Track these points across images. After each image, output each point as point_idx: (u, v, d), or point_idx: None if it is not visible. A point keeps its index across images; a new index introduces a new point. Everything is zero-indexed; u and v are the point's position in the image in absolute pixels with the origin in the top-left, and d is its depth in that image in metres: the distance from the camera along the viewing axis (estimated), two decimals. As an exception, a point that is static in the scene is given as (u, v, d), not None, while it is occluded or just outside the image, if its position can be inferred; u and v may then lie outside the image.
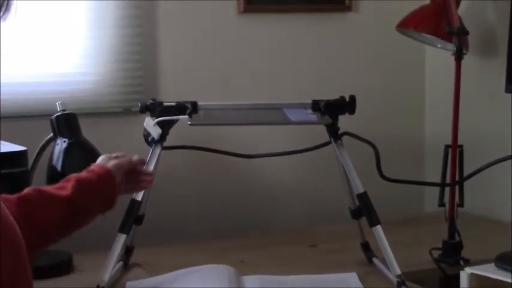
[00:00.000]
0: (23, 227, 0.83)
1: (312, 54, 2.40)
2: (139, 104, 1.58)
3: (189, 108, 1.56)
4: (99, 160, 1.29)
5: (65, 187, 1.16)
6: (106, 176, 1.23)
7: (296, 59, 2.38)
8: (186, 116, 1.52)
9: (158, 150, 1.54)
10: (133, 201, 1.51)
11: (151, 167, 1.54)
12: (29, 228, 1.01)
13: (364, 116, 1.81)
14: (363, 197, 1.54)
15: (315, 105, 1.60)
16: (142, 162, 1.39)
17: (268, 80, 2.34)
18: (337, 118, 1.59)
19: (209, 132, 2.11)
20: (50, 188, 1.17)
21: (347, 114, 1.60)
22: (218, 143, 1.85)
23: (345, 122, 1.66)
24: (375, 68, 2.49)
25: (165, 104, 1.56)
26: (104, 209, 1.24)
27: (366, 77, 2.45)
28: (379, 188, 1.76)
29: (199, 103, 1.58)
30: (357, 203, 1.61)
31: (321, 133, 1.68)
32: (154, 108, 1.56)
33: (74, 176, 1.19)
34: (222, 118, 1.66)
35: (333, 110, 1.59)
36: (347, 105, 1.59)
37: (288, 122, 1.60)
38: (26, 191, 1.14)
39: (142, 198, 1.52)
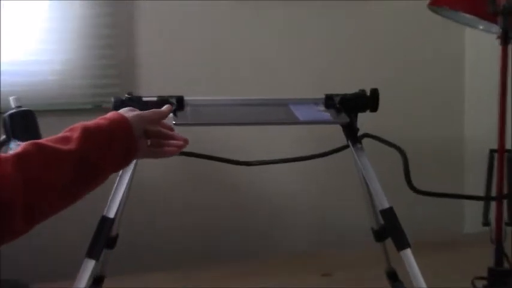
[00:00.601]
0: (22, 188, 0.91)
1: (324, 41, 2.38)
2: (113, 100, 1.58)
3: (174, 105, 1.57)
4: (120, 110, 1.26)
5: (69, 138, 1.12)
6: (121, 123, 1.18)
7: (304, 45, 2.37)
8: (170, 114, 1.49)
9: None
10: (104, 219, 1.52)
11: (125, 178, 1.51)
12: (30, 189, 1.01)
13: (388, 114, 1.80)
14: (389, 213, 1.53)
15: (329, 101, 1.60)
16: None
17: (270, 70, 2.35)
18: (356, 116, 1.60)
19: (198, 133, 2.08)
20: (52, 141, 1.12)
21: (368, 111, 1.61)
22: (209, 147, 1.86)
23: (363, 121, 1.65)
24: (401, 57, 2.46)
25: (145, 99, 1.56)
26: (120, 165, 1.19)
27: (390, 68, 2.43)
28: (409, 202, 1.77)
29: (186, 98, 1.59)
30: (381, 221, 1.61)
31: (335, 135, 1.67)
32: (131, 105, 1.53)
33: (79, 125, 1.14)
34: (213, 117, 1.64)
35: (350, 107, 1.58)
36: (368, 100, 1.59)
37: (295, 122, 1.59)
38: (23, 146, 1.10)
39: (115, 214, 1.53)
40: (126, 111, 1.25)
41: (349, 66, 2.39)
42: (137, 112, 1.25)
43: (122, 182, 1.55)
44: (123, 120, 1.19)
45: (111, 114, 1.20)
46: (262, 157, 1.86)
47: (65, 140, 1.12)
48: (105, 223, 1.51)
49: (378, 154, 1.67)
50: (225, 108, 1.64)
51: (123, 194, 1.55)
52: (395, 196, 1.61)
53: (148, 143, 1.27)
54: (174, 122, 1.49)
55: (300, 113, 1.58)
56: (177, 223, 2.30)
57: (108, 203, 1.53)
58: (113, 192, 1.54)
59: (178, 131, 1.60)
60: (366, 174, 1.58)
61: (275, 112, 1.63)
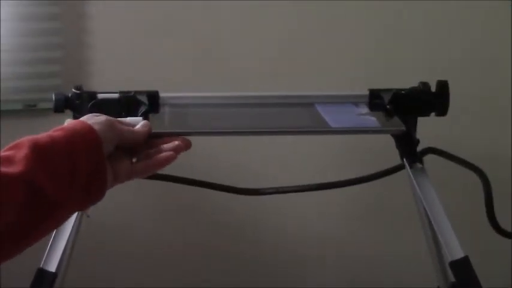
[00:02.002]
0: None
1: (366, 21, 2.39)
2: (54, 97, 1.59)
3: (145, 104, 1.57)
4: (82, 118, 1.24)
5: (11, 159, 1.10)
6: (86, 135, 1.16)
7: (337, 23, 2.37)
8: (139, 118, 1.47)
9: None
10: (42, 273, 1.54)
11: None
12: None
13: (454, 122, 1.81)
14: (463, 266, 1.54)
15: (375, 99, 1.61)
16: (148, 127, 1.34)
17: (286, 56, 2.34)
18: (415, 123, 1.59)
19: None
20: None
21: (433, 115, 1.61)
22: (199, 168, 1.84)
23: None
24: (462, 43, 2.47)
25: (101, 95, 1.59)
26: (86, 199, 1.17)
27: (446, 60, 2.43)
28: (489, 248, 1.81)
29: (162, 94, 1.60)
30: (451, 277, 1.61)
31: (382, 149, 1.67)
32: (80, 104, 1.59)
33: (26, 140, 1.13)
34: (203, 122, 1.62)
35: (407, 108, 1.59)
36: (434, 98, 1.59)
37: (324, 130, 1.58)
38: None
39: (58, 266, 1.54)
40: (90, 118, 1.22)
41: (397, 55, 2.42)
42: (102, 118, 1.22)
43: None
44: (87, 131, 1.16)
45: (70, 124, 1.17)
46: (276, 182, 1.85)
47: (6, 160, 1.09)
48: (44, 280, 1.53)
49: (438, 177, 1.67)
50: (221, 109, 1.64)
51: (69, 235, 1.55)
52: (470, 238, 1.61)
53: (134, 160, 1.27)
54: (145, 130, 1.47)
55: (332, 116, 1.56)
56: (156, 267, 2.36)
57: (46, 251, 1.54)
58: (54, 231, 1.55)
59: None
60: (429, 208, 1.58)
61: (295, 115, 1.62)
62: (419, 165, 1.59)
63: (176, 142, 1.36)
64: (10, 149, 1.11)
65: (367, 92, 1.62)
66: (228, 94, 1.65)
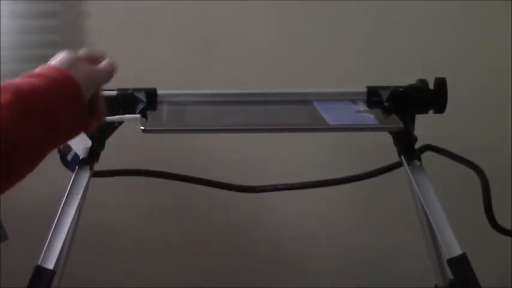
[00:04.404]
0: None
1: (364, 19, 2.38)
2: None
3: (142, 101, 1.57)
4: (57, 59, 1.21)
5: None
6: (68, 85, 1.14)
7: (335, 21, 2.37)
8: (137, 116, 1.53)
9: (86, 176, 1.58)
10: (40, 270, 1.53)
11: (71, 211, 1.53)
12: None
13: (447, 118, 1.76)
14: (461, 263, 1.53)
15: (373, 96, 1.61)
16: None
17: (284, 54, 2.34)
18: (413, 120, 1.60)
19: (179, 144, 2.15)
20: None
21: (431, 112, 1.61)
22: (196, 165, 1.84)
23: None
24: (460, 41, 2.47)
25: None
26: (60, 142, 1.17)
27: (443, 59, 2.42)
28: (488, 246, 1.80)
29: (160, 92, 1.59)
30: (449, 275, 1.62)
31: (379, 146, 1.66)
32: None
33: (9, 86, 1.10)
34: (201, 119, 1.61)
35: (405, 106, 1.59)
36: (433, 96, 1.59)
37: (322, 127, 1.58)
38: None
39: (56, 263, 1.53)
40: (65, 62, 1.19)
41: (394, 49, 2.40)
42: (84, 70, 1.20)
43: (67, 214, 1.55)
44: (68, 81, 1.14)
45: (49, 70, 1.15)
46: (273, 179, 1.85)
47: None
48: (41, 277, 1.52)
49: (436, 175, 1.66)
50: (218, 106, 1.63)
51: (67, 233, 1.54)
52: (468, 236, 1.60)
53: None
54: (142, 128, 1.48)
55: (330, 114, 1.56)
56: (151, 277, 2.28)
57: (44, 249, 1.53)
58: (53, 226, 1.54)
59: (150, 139, 1.58)
60: (427, 206, 1.57)
61: (293, 112, 1.62)
62: (417, 162, 1.59)
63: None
64: None
65: (365, 90, 1.62)
66: (225, 91, 1.65)
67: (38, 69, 1.15)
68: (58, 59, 1.19)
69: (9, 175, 1.08)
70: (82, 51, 1.24)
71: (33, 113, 1.08)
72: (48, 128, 1.10)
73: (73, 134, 1.17)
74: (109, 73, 1.27)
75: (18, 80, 1.11)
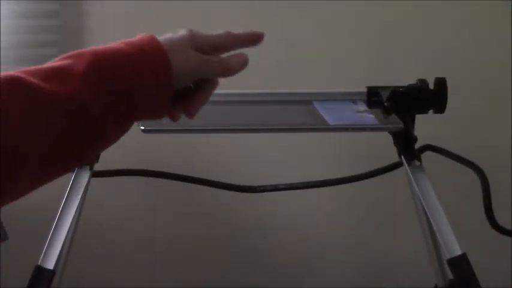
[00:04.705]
0: None
1: (364, 19, 2.38)
2: None
3: None
4: (170, 34, 1.16)
5: (70, 75, 1.00)
6: (152, 55, 1.08)
7: (335, 20, 2.37)
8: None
9: (86, 176, 1.58)
10: (40, 270, 1.53)
11: (71, 211, 1.53)
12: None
13: (447, 118, 1.76)
14: (461, 263, 1.54)
15: (373, 97, 1.60)
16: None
17: (284, 54, 2.34)
18: (413, 120, 1.60)
19: (180, 144, 2.13)
20: (41, 74, 1.00)
21: (431, 112, 1.61)
22: (196, 165, 1.83)
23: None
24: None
25: None
26: (145, 117, 1.09)
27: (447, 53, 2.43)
28: (488, 246, 1.80)
29: None
30: (449, 275, 1.62)
31: (380, 146, 1.66)
32: None
33: (89, 52, 1.04)
34: (202, 119, 1.47)
35: (405, 106, 1.59)
36: (433, 96, 1.59)
37: (322, 127, 1.60)
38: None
39: (56, 263, 1.53)
40: (177, 41, 1.13)
41: (394, 49, 2.40)
42: (182, 32, 1.13)
43: (67, 214, 1.55)
44: (161, 62, 1.07)
45: (146, 43, 1.11)
46: (273, 179, 1.85)
47: (61, 72, 1.00)
48: (41, 278, 1.52)
49: (436, 175, 1.66)
50: (219, 106, 1.62)
51: (67, 233, 1.54)
52: (468, 236, 1.61)
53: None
54: (142, 128, 1.48)
55: (330, 114, 1.56)
56: (151, 277, 2.30)
57: (44, 249, 1.53)
58: (53, 226, 1.54)
59: (150, 139, 1.58)
60: (427, 206, 1.57)
61: (293, 113, 1.62)
62: (417, 162, 1.59)
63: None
64: (70, 57, 1.02)
65: (365, 90, 1.62)
66: (226, 92, 1.62)
67: (137, 38, 1.11)
68: (176, 33, 1.14)
69: (79, 149, 1.03)
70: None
71: (108, 81, 1.02)
72: (125, 109, 1.03)
73: (153, 115, 1.09)
74: (232, 69, 1.19)
75: (103, 47, 1.07)
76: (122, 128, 1.06)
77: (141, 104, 1.04)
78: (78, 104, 0.99)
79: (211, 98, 1.61)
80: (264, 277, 2.40)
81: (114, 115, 1.03)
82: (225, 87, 1.65)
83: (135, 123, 1.42)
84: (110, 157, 1.61)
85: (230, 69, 1.19)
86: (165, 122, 1.53)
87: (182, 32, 1.13)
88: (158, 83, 1.05)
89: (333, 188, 1.83)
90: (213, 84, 1.20)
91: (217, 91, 1.61)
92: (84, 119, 1.00)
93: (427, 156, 1.63)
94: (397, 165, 1.66)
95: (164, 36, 1.14)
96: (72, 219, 1.55)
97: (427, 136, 1.65)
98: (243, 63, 1.21)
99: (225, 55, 1.17)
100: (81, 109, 0.99)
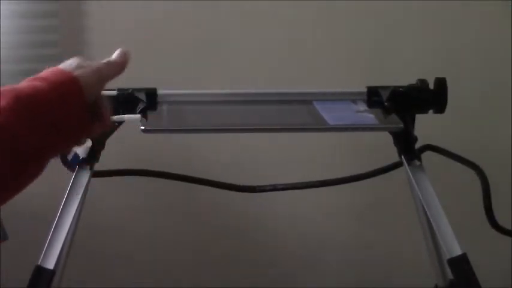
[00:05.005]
0: None
1: (364, 18, 2.38)
2: None
3: (143, 101, 1.56)
4: (62, 64, 1.19)
5: None
6: (69, 87, 1.12)
7: (335, 20, 2.37)
8: (138, 116, 1.51)
9: (86, 176, 1.57)
10: (40, 270, 1.52)
11: (71, 211, 1.53)
12: None
13: (447, 118, 1.76)
14: (461, 263, 1.53)
15: (373, 96, 1.60)
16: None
17: (284, 54, 2.34)
18: (413, 120, 1.60)
19: (179, 144, 2.15)
20: None
21: (431, 112, 1.61)
22: (196, 165, 1.82)
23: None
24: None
25: None
26: (63, 147, 1.15)
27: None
28: (488, 246, 1.80)
29: (160, 92, 1.59)
30: (449, 275, 1.62)
31: (380, 146, 1.66)
32: None
33: (9, 90, 1.08)
34: (201, 119, 1.61)
35: (405, 106, 1.59)
36: (433, 96, 1.59)
37: (322, 127, 1.58)
38: None
39: (57, 263, 1.53)
40: (71, 66, 1.17)
41: (394, 49, 2.40)
42: (91, 68, 1.18)
43: (67, 214, 1.54)
44: (72, 85, 1.12)
45: (52, 73, 1.13)
46: (273, 179, 1.84)
47: None
48: (41, 278, 1.51)
49: (436, 175, 1.65)
50: (219, 106, 1.63)
51: (67, 233, 1.54)
52: (468, 236, 1.59)
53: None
54: (142, 128, 1.47)
55: (330, 114, 1.55)
56: (151, 277, 2.29)
57: (44, 249, 1.53)
58: (53, 226, 1.53)
59: (150, 139, 1.58)
60: (427, 205, 1.57)
61: (293, 112, 1.62)
62: (417, 162, 1.59)
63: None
64: None
65: (365, 89, 1.61)
66: (226, 91, 1.64)
67: (43, 72, 1.13)
68: (65, 62, 1.18)
69: (12, 182, 1.07)
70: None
71: (35, 117, 1.06)
72: (51, 131, 1.08)
73: (77, 138, 1.15)
74: (119, 65, 1.25)
75: (21, 84, 1.10)
76: (44, 160, 1.09)
77: (64, 132, 1.09)
78: (10, 135, 1.02)
79: (211, 98, 1.63)
80: (264, 277, 2.40)
81: (43, 146, 1.07)
82: (225, 87, 1.66)
83: (135, 123, 1.44)
84: (110, 157, 1.62)
85: (121, 63, 1.27)
86: (165, 121, 1.55)
87: (74, 58, 1.20)
88: (73, 97, 1.10)
89: (333, 188, 1.82)
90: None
91: (217, 91, 1.64)
92: (12, 143, 1.03)
93: (427, 156, 1.63)
94: (397, 165, 1.66)
95: (62, 64, 1.19)
96: (72, 219, 1.54)
97: (427, 136, 1.64)
98: (123, 54, 1.29)
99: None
100: (7, 134, 1.02)
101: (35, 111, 1.07)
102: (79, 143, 1.16)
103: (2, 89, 1.07)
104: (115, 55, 1.26)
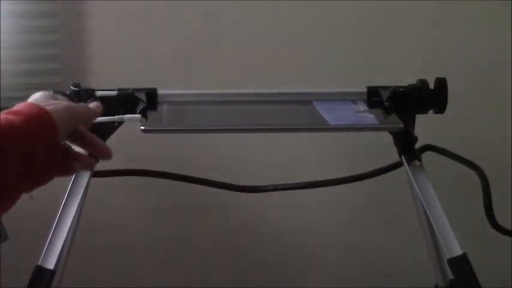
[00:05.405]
0: None
1: (365, 19, 2.38)
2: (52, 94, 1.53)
3: (143, 101, 1.57)
4: (33, 97, 1.22)
5: None
6: (43, 123, 1.13)
7: (335, 20, 2.37)
8: (138, 116, 1.51)
9: (86, 176, 1.57)
10: (40, 270, 1.52)
11: (71, 211, 1.53)
12: None
13: (447, 118, 1.76)
14: (461, 263, 1.53)
15: (373, 96, 1.60)
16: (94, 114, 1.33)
17: (284, 54, 2.34)
18: (413, 120, 1.60)
19: (178, 144, 2.16)
20: None
21: (431, 112, 1.60)
22: (196, 165, 1.84)
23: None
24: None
25: (99, 93, 1.57)
26: (31, 185, 1.15)
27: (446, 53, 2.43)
28: (488, 246, 1.80)
29: (160, 92, 1.59)
30: (449, 275, 1.61)
31: (379, 146, 1.66)
32: (78, 101, 1.54)
33: None
34: (201, 119, 1.61)
35: (406, 106, 1.58)
36: (433, 96, 1.59)
37: (322, 127, 1.57)
38: None
39: (57, 263, 1.52)
40: (43, 99, 1.19)
41: (394, 49, 2.40)
42: (63, 104, 1.19)
43: (67, 214, 1.54)
44: (45, 118, 1.12)
45: (25, 107, 1.14)
46: (273, 179, 1.84)
47: None
48: (41, 278, 1.51)
49: (435, 175, 1.65)
50: (219, 106, 1.63)
51: (67, 233, 1.54)
52: (468, 236, 1.59)
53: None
54: (142, 128, 1.47)
55: (330, 114, 1.55)
56: (151, 277, 2.28)
57: (44, 249, 1.52)
58: (53, 226, 1.53)
59: (152, 140, 1.58)
60: (427, 206, 1.56)
61: (293, 112, 1.61)
62: (417, 162, 1.58)
63: (103, 150, 1.33)
64: None
65: (365, 89, 1.61)
66: (226, 91, 1.64)
67: (16, 106, 1.13)
68: (36, 96, 1.20)
69: None
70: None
71: (9, 149, 1.06)
72: (24, 165, 1.08)
73: (50, 174, 1.15)
74: (91, 111, 1.28)
75: None
76: (15, 194, 1.10)
77: (36, 165, 1.10)
78: None
79: (211, 98, 1.63)
80: (264, 277, 2.40)
81: (14, 179, 1.08)
82: (225, 87, 1.66)
83: (135, 123, 1.44)
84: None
85: (94, 111, 1.32)
86: (165, 121, 1.55)
87: (43, 91, 1.24)
88: (45, 130, 1.11)
89: (333, 188, 1.82)
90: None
91: (217, 91, 1.64)
92: None
93: (427, 156, 1.63)
94: (397, 165, 1.65)
95: (33, 98, 1.23)
96: (72, 219, 1.53)
97: (427, 136, 1.64)
98: (98, 105, 1.38)
99: None
100: None
101: (8, 142, 1.06)
102: (50, 178, 1.16)
103: None
104: (90, 103, 1.32)
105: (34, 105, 1.13)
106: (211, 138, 2.15)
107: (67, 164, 1.25)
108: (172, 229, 2.36)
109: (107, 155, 1.31)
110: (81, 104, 1.29)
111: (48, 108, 1.13)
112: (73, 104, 1.22)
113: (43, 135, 1.10)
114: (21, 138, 1.07)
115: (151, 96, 1.57)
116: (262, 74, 2.28)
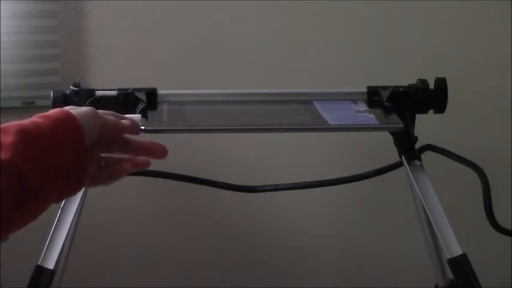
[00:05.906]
0: None
1: (365, 19, 2.38)
2: (52, 94, 1.60)
3: (143, 101, 1.56)
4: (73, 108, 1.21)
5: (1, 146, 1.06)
6: (70, 125, 1.13)
7: (335, 20, 2.37)
8: (138, 116, 1.48)
9: None
10: (40, 270, 1.53)
11: (71, 211, 1.53)
12: None
13: (447, 118, 1.76)
14: (461, 263, 1.53)
15: (373, 96, 1.60)
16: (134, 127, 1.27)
17: (284, 54, 2.33)
18: (413, 120, 1.59)
19: (178, 144, 2.09)
20: None
21: (431, 112, 1.61)
22: (196, 165, 1.81)
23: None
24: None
25: (99, 93, 1.58)
26: (66, 191, 1.14)
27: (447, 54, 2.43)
28: (488, 246, 1.80)
29: (160, 92, 1.59)
30: (449, 275, 1.61)
31: (379, 146, 1.67)
32: (78, 101, 1.57)
33: (12, 126, 1.08)
34: (201, 119, 1.62)
35: (406, 105, 1.59)
36: (433, 96, 1.59)
37: (322, 127, 1.59)
38: None
39: (57, 263, 1.54)
40: (73, 108, 1.18)
41: (394, 49, 2.40)
42: (90, 110, 1.18)
43: (67, 214, 1.55)
44: (71, 121, 1.13)
45: (53, 112, 1.14)
46: (273, 179, 1.84)
47: None
48: (41, 277, 1.52)
49: (435, 174, 1.65)
50: (219, 106, 1.63)
51: (67, 233, 1.54)
52: (468, 236, 1.62)
53: (102, 164, 1.22)
54: (142, 128, 1.46)
55: (331, 114, 1.55)
56: (151, 277, 2.28)
57: (44, 249, 1.53)
58: (53, 226, 1.54)
59: (150, 139, 1.58)
60: (427, 205, 1.57)
61: (293, 112, 1.61)
62: (417, 162, 1.59)
63: (145, 158, 1.27)
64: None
65: (365, 89, 1.61)
66: (225, 91, 1.65)
67: (49, 112, 1.14)
68: (70, 107, 1.19)
69: (15, 218, 1.07)
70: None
71: (39, 153, 1.07)
72: (54, 168, 1.09)
73: (78, 180, 1.14)
74: (112, 123, 1.24)
75: (24, 121, 1.10)
76: (58, 190, 1.10)
77: (63, 159, 1.09)
78: (13, 170, 1.03)
79: (211, 98, 1.63)
80: (263, 277, 2.40)
81: (48, 181, 1.07)
82: (225, 87, 1.66)
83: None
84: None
85: (124, 127, 1.26)
86: (165, 121, 1.56)
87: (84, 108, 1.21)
88: (76, 146, 1.11)
89: (333, 188, 1.82)
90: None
91: (217, 91, 1.64)
92: (22, 185, 1.04)
93: (427, 156, 1.63)
94: (397, 165, 1.65)
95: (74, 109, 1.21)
96: (72, 219, 1.54)
97: (427, 136, 1.64)
98: (135, 121, 1.30)
99: None
100: (17, 174, 1.03)
101: (38, 148, 1.07)
102: (81, 186, 1.15)
103: (6, 125, 1.07)
104: (127, 119, 1.26)
105: (61, 110, 1.14)
106: (211, 138, 2.15)
107: (106, 172, 1.22)
108: (172, 229, 2.36)
109: (162, 153, 1.26)
110: (110, 118, 1.23)
111: (74, 113, 1.14)
112: (99, 114, 1.19)
113: (70, 140, 1.11)
114: (50, 141, 1.09)
115: (151, 96, 1.57)
116: (262, 74, 2.28)
